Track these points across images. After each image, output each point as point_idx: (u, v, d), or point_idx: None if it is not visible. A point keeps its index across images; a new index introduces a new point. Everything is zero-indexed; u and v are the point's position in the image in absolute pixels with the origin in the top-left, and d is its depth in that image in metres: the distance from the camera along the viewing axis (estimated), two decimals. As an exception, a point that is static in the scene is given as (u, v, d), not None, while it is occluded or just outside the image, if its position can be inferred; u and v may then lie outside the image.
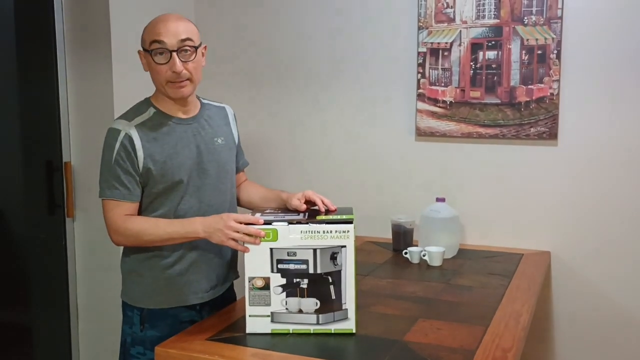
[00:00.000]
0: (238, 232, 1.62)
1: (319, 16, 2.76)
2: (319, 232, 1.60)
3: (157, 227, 1.73)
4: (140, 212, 1.78)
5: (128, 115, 1.79)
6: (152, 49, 1.72)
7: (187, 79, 1.76)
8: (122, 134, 1.73)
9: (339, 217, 1.67)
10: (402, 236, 2.47)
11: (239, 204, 2.04)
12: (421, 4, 2.56)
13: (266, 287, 1.62)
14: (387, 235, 2.55)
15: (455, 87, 2.55)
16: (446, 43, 2.55)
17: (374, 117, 2.72)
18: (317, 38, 2.78)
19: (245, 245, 1.61)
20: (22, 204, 2.68)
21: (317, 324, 1.62)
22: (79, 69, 2.59)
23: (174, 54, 1.72)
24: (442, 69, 2.57)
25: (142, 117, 1.78)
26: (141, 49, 1.79)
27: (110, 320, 2.32)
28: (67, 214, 2.65)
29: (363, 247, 2.56)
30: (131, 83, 2.50)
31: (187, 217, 1.79)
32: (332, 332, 1.63)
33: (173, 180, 1.77)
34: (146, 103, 1.83)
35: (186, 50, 1.74)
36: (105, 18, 2.49)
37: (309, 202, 1.81)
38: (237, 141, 2.01)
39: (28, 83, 2.61)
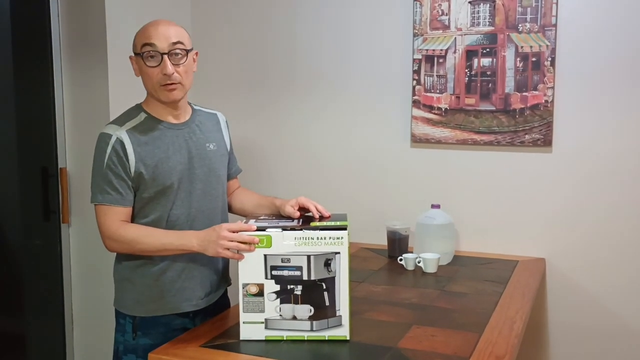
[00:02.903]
0: (232, 241, 1.62)
1: (315, 22, 2.77)
2: (312, 238, 1.60)
3: (151, 236, 1.73)
4: (132, 218, 1.78)
5: (119, 120, 1.79)
6: (143, 51, 1.73)
7: (179, 82, 1.76)
8: (113, 138, 1.73)
9: (333, 223, 1.67)
10: (398, 243, 2.47)
11: (231, 211, 2.04)
12: (416, 11, 2.57)
13: (260, 293, 1.62)
14: (383, 241, 2.55)
15: (450, 94, 2.56)
16: (441, 50, 2.56)
17: (369, 124, 2.72)
18: (313, 44, 2.79)
19: (240, 253, 1.61)
20: (17, 210, 2.68)
21: (311, 330, 1.62)
22: (75, 75, 2.60)
23: (165, 56, 1.73)
24: (437, 75, 2.57)
25: (133, 122, 1.78)
26: (132, 55, 1.80)
27: (106, 328, 2.31)
28: (62, 220, 2.65)
29: (358, 253, 2.56)
30: (127, 89, 2.50)
31: (179, 223, 1.79)
32: (326, 338, 1.62)
33: (164, 184, 1.76)
34: (137, 108, 1.84)
35: (177, 54, 1.75)
36: (101, 24, 2.50)
37: (303, 209, 1.81)
38: (229, 148, 2.01)
39: (24, 89, 2.61)
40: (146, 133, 1.77)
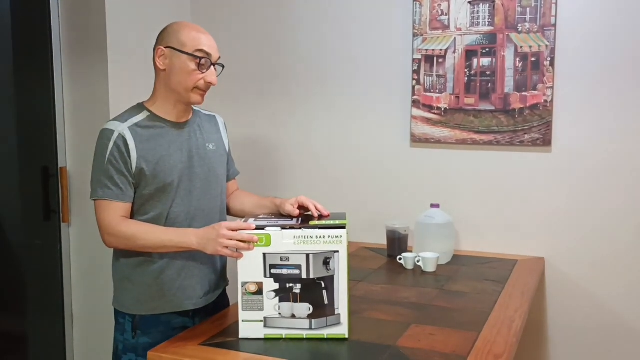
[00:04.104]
0: (232, 239, 1.63)
1: (315, 22, 2.78)
2: (311, 237, 1.60)
3: (151, 233, 1.73)
4: (131, 215, 1.79)
5: (121, 117, 1.80)
6: (197, 55, 1.77)
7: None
8: (115, 134, 1.74)
9: (331, 222, 1.67)
10: (397, 242, 2.47)
11: (230, 212, 2.05)
12: (416, 11, 2.58)
13: (259, 292, 1.62)
14: (382, 241, 2.56)
15: (450, 94, 2.56)
16: (441, 50, 2.56)
17: (369, 124, 2.73)
18: (312, 44, 2.79)
19: (239, 251, 1.62)
20: (17, 209, 2.69)
21: (310, 329, 1.62)
22: (75, 74, 2.60)
23: (212, 67, 1.81)
24: (436, 75, 2.58)
25: (135, 119, 1.79)
26: (163, 47, 1.78)
27: (106, 327, 2.31)
28: (62, 219, 2.65)
29: (358, 252, 2.56)
30: (127, 89, 2.52)
31: (179, 221, 1.80)
32: (325, 337, 1.63)
33: (164, 182, 1.77)
34: (139, 107, 1.85)
35: (217, 66, 1.84)
36: (101, 24, 2.51)
37: (302, 208, 1.81)
38: (227, 149, 2.02)
39: (24, 89, 2.62)
40: (148, 130, 1.79)
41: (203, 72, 1.79)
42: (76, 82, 2.61)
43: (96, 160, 1.76)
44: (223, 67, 1.90)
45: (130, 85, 2.52)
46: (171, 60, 1.78)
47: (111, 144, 1.73)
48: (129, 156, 1.74)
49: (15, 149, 2.64)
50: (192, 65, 1.77)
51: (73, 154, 2.64)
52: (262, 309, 1.63)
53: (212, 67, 1.81)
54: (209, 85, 1.82)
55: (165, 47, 1.79)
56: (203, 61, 1.78)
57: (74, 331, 2.73)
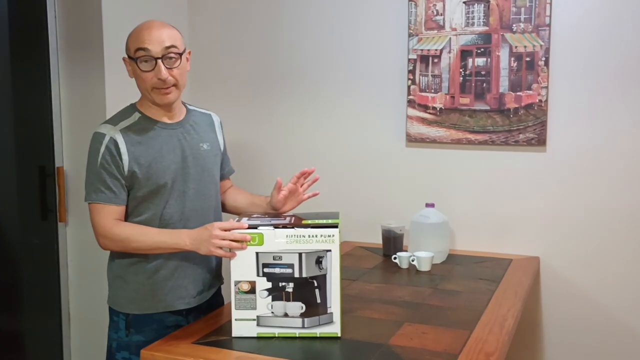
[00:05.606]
0: (224, 239, 1.64)
1: (310, 22, 2.79)
2: (304, 236, 1.61)
3: (145, 235, 1.75)
4: (126, 217, 1.80)
5: (113, 120, 1.81)
6: (137, 56, 1.74)
7: (173, 85, 1.78)
8: (107, 138, 1.75)
9: (324, 221, 1.68)
10: (392, 241, 2.48)
11: (224, 209, 2.06)
12: (411, 12, 2.58)
13: (252, 291, 1.63)
14: (378, 240, 2.57)
15: (445, 94, 2.57)
16: (436, 50, 2.57)
17: (365, 124, 2.73)
18: (308, 44, 2.80)
19: (232, 251, 1.63)
20: (15, 209, 2.69)
21: (303, 327, 1.63)
22: (72, 74, 2.61)
23: (159, 61, 1.73)
24: (432, 75, 2.59)
25: (127, 122, 1.80)
26: (126, 56, 1.81)
27: (102, 325, 2.30)
28: (59, 219, 2.66)
29: (353, 252, 2.57)
30: (123, 89, 2.50)
31: (173, 222, 1.81)
32: (318, 335, 1.64)
33: (158, 183, 1.78)
34: (131, 108, 1.85)
35: (171, 57, 1.76)
36: (98, 25, 2.52)
37: (293, 195, 1.90)
38: (222, 148, 2.02)
39: (21, 89, 2.63)
40: (140, 133, 1.79)
41: (152, 70, 1.73)
42: (73, 81, 2.61)
43: (89, 164, 1.77)
44: (180, 54, 1.77)
45: (126, 86, 2.50)
46: (131, 68, 1.79)
47: (103, 148, 1.74)
48: (121, 159, 1.74)
49: (12, 148, 2.65)
50: (139, 67, 1.75)
51: (70, 153, 2.65)
52: (254, 308, 1.64)
53: (158, 61, 1.72)
54: (161, 82, 1.74)
55: (126, 58, 1.80)
56: (145, 58, 1.73)
57: (71, 330, 2.74)
